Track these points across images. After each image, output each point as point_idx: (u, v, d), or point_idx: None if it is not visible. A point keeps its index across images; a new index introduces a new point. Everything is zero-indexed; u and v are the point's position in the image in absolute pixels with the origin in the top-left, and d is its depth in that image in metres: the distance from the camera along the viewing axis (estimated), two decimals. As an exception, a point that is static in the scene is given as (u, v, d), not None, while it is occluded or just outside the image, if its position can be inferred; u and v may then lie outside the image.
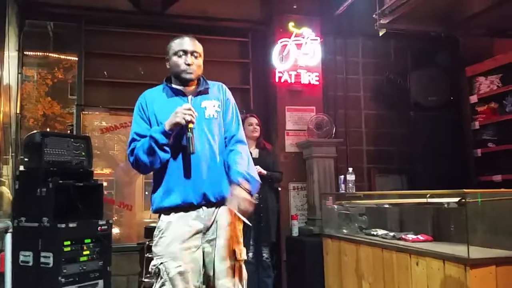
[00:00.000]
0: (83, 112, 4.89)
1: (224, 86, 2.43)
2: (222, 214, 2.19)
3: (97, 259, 3.81)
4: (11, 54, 4.54)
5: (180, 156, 2.17)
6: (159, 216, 2.20)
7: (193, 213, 2.15)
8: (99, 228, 3.85)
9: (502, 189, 3.66)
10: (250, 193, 2.14)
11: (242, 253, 2.21)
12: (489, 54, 4.93)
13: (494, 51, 5.01)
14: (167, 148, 2.12)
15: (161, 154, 2.11)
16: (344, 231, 4.08)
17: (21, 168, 4.01)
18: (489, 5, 4.11)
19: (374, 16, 4.26)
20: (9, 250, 3.41)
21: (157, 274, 2.11)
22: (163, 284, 2.10)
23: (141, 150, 2.13)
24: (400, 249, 3.11)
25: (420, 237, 3.23)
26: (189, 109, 2.10)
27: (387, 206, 3.71)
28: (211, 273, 2.14)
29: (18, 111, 4.68)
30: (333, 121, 5.04)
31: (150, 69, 5.02)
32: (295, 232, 4.64)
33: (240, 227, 2.25)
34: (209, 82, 2.37)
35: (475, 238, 2.77)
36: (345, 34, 5.55)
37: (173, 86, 2.30)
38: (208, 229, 2.16)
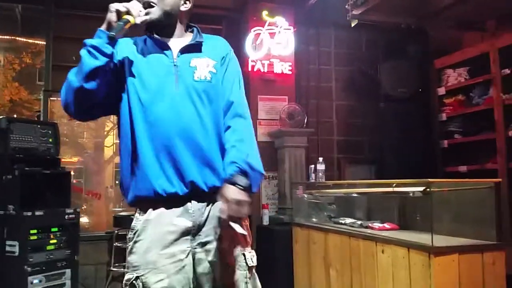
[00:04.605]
0: (51, 98, 4.78)
1: (224, 40, 1.88)
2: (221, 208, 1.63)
3: (65, 248, 3.75)
4: (-24, 37, 4.41)
5: (156, 127, 1.62)
6: (136, 211, 1.70)
7: (178, 209, 1.62)
8: (66, 216, 3.79)
9: (467, 179, 3.77)
10: (247, 189, 1.57)
11: (254, 258, 1.71)
12: (457, 46, 5.02)
13: (463, 44, 5.11)
14: (96, 52, 1.56)
15: (89, 59, 1.55)
16: (314, 219, 4.13)
17: (-14, 154, 3.92)
18: (458, -1, 4.19)
19: (346, 6, 4.29)
20: (-27, 238, 3.34)
21: None
22: None
23: (72, 71, 1.61)
24: (367, 237, 3.17)
25: (386, 225, 3.29)
26: (132, 3, 1.63)
27: (355, 195, 3.76)
28: None
29: (-17, 96, 4.57)
30: (305, 111, 5.07)
31: (121, 56, 4.93)
32: (266, 221, 4.66)
33: (247, 222, 1.71)
34: (205, 35, 1.81)
35: (439, 227, 2.83)
36: (318, 24, 5.56)
37: (155, 36, 1.74)
38: (200, 228, 1.63)
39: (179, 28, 1.79)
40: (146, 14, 1.67)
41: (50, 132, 3.95)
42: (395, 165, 5.15)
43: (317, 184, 4.19)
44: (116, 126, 1.76)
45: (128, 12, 1.59)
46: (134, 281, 1.58)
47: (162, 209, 1.62)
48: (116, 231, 4.48)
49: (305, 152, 4.91)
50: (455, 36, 5.20)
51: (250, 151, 1.67)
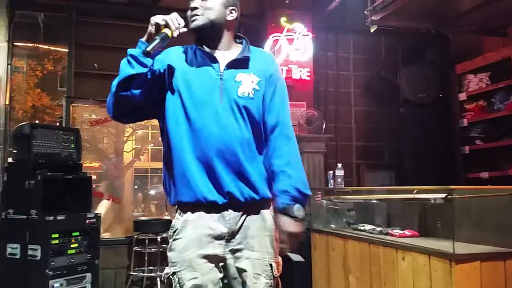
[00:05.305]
0: (73, 104, 4.86)
1: (272, 57, 1.95)
2: (253, 219, 1.75)
3: (85, 252, 3.80)
4: (0, 45, 4.51)
5: (199, 137, 1.69)
6: (176, 211, 1.79)
7: (215, 214, 1.71)
8: (87, 221, 3.84)
9: (489, 186, 3.71)
10: (299, 219, 1.71)
11: (279, 267, 1.81)
12: (478, 52, 4.97)
13: (484, 49, 5.04)
14: (134, 61, 1.63)
15: (125, 67, 1.64)
16: (332, 226, 4.10)
17: (10, 159, 3.99)
18: (479, 3, 4.15)
19: (365, 12, 4.27)
20: (-3, 242, 3.40)
21: (170, 285, 1.73)
22: None
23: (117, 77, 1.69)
24: (387, 244, 3.14)
25: (407, 232, 3.26)
26: (171, 16, 1.67)
27: (374, 201, 3.74)
28: None
29: (7, 103, 4.65)
30: (323, 116, 5.06)
31: (141, 62, 4.99)
32: (284, 227, 4.64)
33: (276, 234, 1.80)
34: (253, 48, 1.84)
35: (460, 234, 2.80)
36: (337, 30, 5.56)
37: (204, 48, 1.77)
38: (233, 235, 1.72)
39: (226, 39, 1.82)
40: (193, 21, 1.74)
41: (72, 137, 4.02)
42: (415, 171, 5.10)
43: (336, 190, 4.17)
44: (160, 132, 1.84)
45: (166, 25, 1.65)
46: (171, 276, 1.71)
47: (202, 213, 1.72)
48: (135, 236, 4.52)
49: (324, 158, 4.89)
50: (476, 41, 5.14)
51: (298, 174, 1.76)
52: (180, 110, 1.72)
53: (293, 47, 5.07)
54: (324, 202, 4.27)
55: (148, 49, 1.62)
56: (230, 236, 1.72)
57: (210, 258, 1.70)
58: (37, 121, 6.30)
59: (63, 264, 3.61)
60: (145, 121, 7.73)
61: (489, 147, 4.61)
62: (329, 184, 4.34)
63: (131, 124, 6.20)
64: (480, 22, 4.61)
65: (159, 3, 5.07)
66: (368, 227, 3.64)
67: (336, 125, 5.43)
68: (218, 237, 1.71)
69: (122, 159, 6.29)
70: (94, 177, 4.92)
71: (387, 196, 3.63)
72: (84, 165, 4.23)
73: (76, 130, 4.18)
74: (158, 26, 1.65)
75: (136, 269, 4.50)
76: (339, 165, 4.29)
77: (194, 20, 1.74)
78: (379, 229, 3.50)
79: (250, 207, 1.74)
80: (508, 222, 2.70)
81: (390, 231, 3.35)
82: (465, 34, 4.98)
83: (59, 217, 3.61)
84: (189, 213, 1.73)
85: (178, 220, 1.75)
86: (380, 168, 5.51)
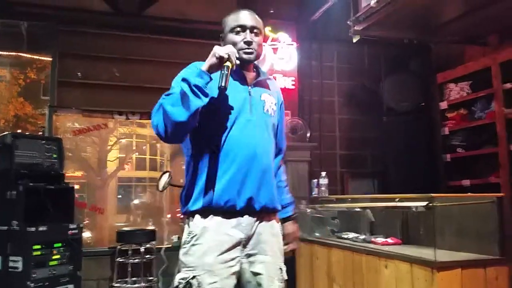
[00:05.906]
0: (56, 114, 4.82)
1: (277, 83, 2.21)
2: (265, 226, 1.90)
3: (67, 263, 3.75)
4: (-18, 54, 4.47)
5: (229, 146, 1.82)
6: (188, 219, 1.86)
7: (232, 221, 1.81)
8: (69, 232, 3.80)
9: (469, 194, 3.75)
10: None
11: (285, 273, 1.96)
12: (460, 61, 5.04)
13: (465, 58, 5.12)
14: (199, 92, 1.68)
15: (194, 99, 1.67)
16: (317, 234, 4.11)
17: (-9, 170, 3.94)
18: (461, 13, 4.21)
19: (348, 22, 4.32)
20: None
21: None
22: None
23: (169, 101, 1.69)
24: (370, 252, 3.16)
25: (390, 240, 3.28)
26: (231, 50, 1.77)
27: (358, 209, 3.76)
28: None
29: (-11, 112, 4.60)
30: (307, 125, 5.08)
31: (125, 71, 4.98)
32: (269, 236, 4.64)
33: (282, 241, 2.01)
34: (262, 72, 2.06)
35: (442, 242, 2.83)
36: (321, 39, 5.61)
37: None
38: (248, 240, 1.84)
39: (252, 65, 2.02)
40: (247, 53, 1.90)
41: (54, 147, 3.97)
42: (398, 179, 5.14)
43: (320, 199, 4.19)
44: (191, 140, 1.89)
45: (228, 59, 1.74)
46: (190, 280, 1.76)
47: (220, 218, 1.81)
48: (118, 247, 4.48)
49: (308, 166, 4.92)
50: (458, 50, 5.21)
51: None
52: (214, 121, 1.83)
53: (278, 56, 5.12)
54: (308, 210, 4.28)
55: (227, 85, 1.71)
56: (246, 242, 1.84)
57: (229, 263, 1.79)
58: (19, 131, 6.25)
59: (45, 276, 3.56)
60: (130, 130, 7.78)
61: (470, 155, 4.66)
62: (313, 193, 4.35)
63: (115, 133, 6.16)
64: (462, 32, 4.68)
65: (144, 12, 5.07)
66: (351, 235, 3.66)
67: (320, 134, 5.45)
68: (236, 243, 1.81)
69: (106, 168, 6.25)
70: (77, 186, 4.87)
71: (370, 204, 3.66)
72: (66, 174, 4.18)
73: (59, 139, 4.14)
74: (221, 59, 1.73)
75: (119, 280, 4.45)
76: (323, 173, 4.32)
77: (248, 53, 1.91)
78: (362, 237, 3.52)
79: (263, 215, 1.88)
80: (488, 230, 2.74)
81: (373, 239, 3.37)
82: (448, 43, 5.06)
83: (41, 228, 3.56)
84: (207, 219, 1.81)
85: (197, 226, 1.81)
86: (364, 176, 5.55)
